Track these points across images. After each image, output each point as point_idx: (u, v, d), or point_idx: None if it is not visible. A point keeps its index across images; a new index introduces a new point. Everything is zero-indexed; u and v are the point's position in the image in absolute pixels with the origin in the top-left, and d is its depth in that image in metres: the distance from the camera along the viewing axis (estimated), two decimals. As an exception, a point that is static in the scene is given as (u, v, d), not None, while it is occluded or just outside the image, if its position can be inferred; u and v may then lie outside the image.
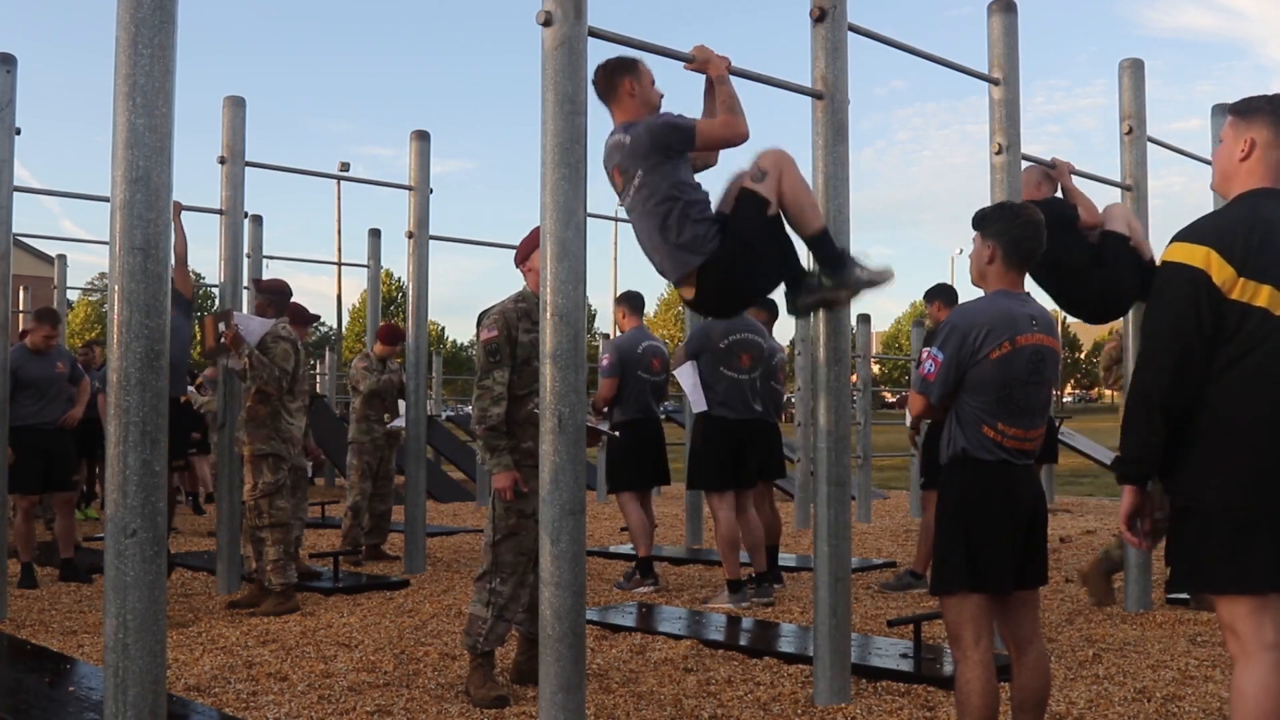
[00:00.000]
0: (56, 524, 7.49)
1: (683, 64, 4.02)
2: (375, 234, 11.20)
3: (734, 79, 4.02)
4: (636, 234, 4.05)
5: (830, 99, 4.33)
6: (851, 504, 5.49)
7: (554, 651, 3.39)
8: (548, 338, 3.44)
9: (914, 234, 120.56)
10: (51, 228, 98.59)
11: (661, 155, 3.90)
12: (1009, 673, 3.28)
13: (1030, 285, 3.83)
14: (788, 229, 4.07)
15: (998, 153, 5.30)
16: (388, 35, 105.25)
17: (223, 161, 6.97)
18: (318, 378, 18.85)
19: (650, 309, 27.93)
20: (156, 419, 3.06)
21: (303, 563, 7.07)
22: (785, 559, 7.63)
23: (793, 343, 11.09)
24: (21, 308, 12.16)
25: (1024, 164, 5.52)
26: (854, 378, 10.53)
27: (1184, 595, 5.86)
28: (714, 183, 4.12)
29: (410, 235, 7.68)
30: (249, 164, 7.03)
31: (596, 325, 47.52)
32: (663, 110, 4.06)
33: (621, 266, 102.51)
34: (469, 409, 12.38)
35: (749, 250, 3.95)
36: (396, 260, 46.84)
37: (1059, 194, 5.79)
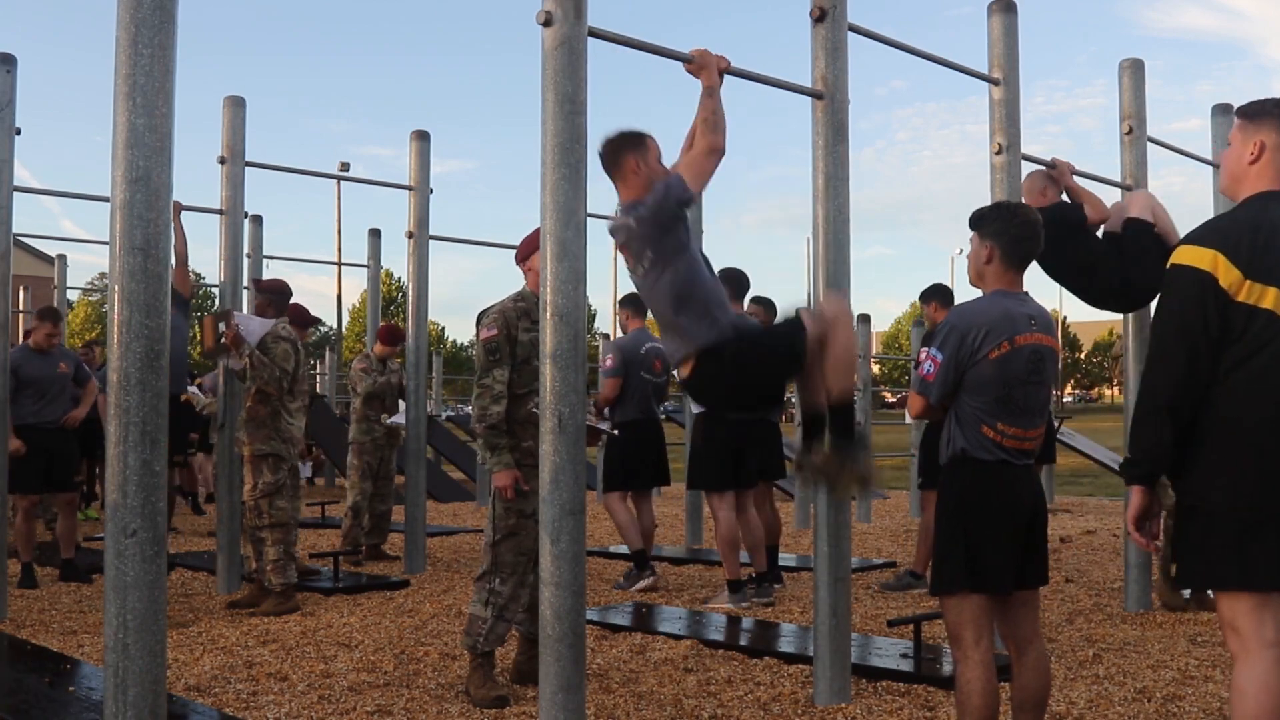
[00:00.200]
0: (58, 524, 7.49)
1: (683, 65, 4.01)
2: (375, 234, 11.22)
3: (734, 79, 4.01)
4: (648, 304, 3.88)
5: (830, 99, 4.32)
6: (851, 504, 5.43)
7: (554, 651, 3.39)
8: (548, 338, 3.44)
9: (914, 234, 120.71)
10: (51, 228, 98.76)
11: (668, 228, 3.68)
12: (1009, 673, 3.28)
13: (1053, 286, 3.78)
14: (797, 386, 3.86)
15: (998, 153, 5.30)
16: (388, 35, 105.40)
17: (223, 161, 6.97)
18: (318, 378, 18.85)
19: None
20: (156, 419, 3.06)
21: (301, 561, 7.07)
22: (785, 559, 7.63)
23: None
24: (21, 308, 12.15)
25: (1025, 170, 5.50)
26: (854, 378, 10.51)
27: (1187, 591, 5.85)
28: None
29: (410, 235, 7.69)
30: (249, 164, 7.04)
31: (596, 325, 47.54)
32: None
33: (621, 266, 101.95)
34: (469, 409, 12.37)
35: (758, 347, 3.78)
36: (396, 260, 46.78)
37: (1064, 197, 5.79)
